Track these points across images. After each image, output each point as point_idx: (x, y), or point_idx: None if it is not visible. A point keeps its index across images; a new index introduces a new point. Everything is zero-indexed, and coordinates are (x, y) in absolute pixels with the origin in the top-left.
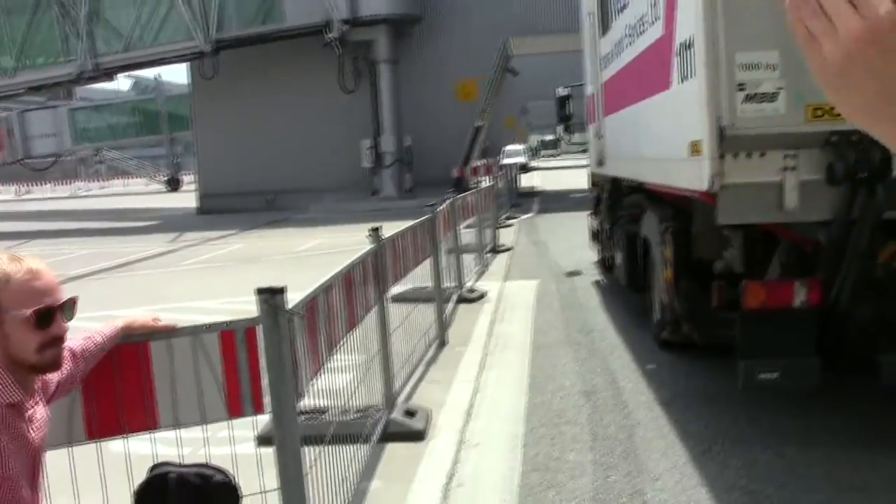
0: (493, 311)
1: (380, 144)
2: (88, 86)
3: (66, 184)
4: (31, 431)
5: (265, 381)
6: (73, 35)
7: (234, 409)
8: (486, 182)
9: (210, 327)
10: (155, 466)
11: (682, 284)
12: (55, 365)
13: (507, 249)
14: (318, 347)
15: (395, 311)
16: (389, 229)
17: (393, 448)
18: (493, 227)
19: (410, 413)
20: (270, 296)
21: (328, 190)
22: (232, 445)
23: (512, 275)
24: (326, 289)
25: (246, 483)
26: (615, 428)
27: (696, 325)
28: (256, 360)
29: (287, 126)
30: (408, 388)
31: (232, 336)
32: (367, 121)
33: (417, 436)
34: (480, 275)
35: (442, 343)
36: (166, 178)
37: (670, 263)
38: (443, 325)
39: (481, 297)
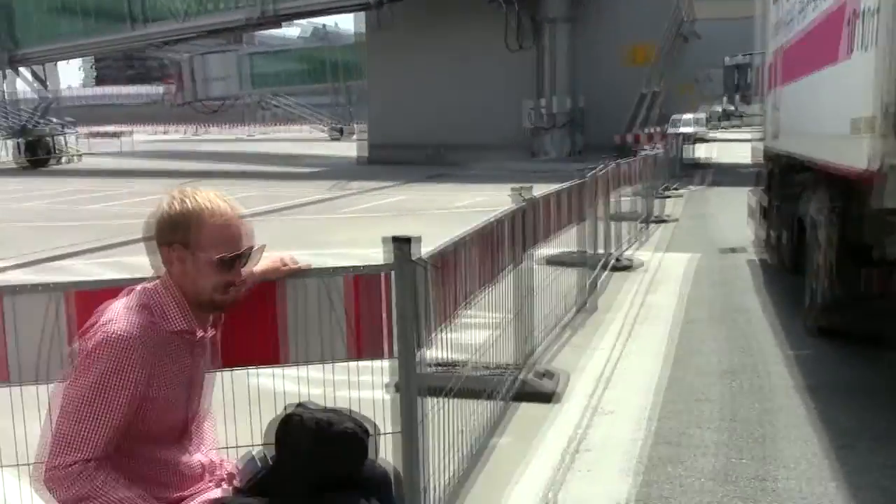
0: (644, 281)
1: (550, 105)
2: (264, 32)
3: (236, 127)
4: (195, 357)
5: (390, 328)
6: None
7: (358, 352)
8: (651, 150)
9: (340, 271)
10: (297, 405)
11: (840, 269)
12: (222, 308)
13: (669, 220)
14: (449, 300)
15: (540, 273)
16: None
17: (524, 408)
18: (654, 197)
19: (545, 375)
20: (401, 244)
21: (492, 147)
22: (358, 389)
23: (669, 246)
24: (462, 243)
25: None
26: (752, 411)
27: (851, 313)
28: (382, 305)
29: (454, 81)
30: (546, 350)
31: (361, 281)
32: (533, 81)
33: (549, 398)
34: (637, 244)
35: (587, 309)
36: (332, 127)
37: (830, 246)
38: (590, 290)
39: (634, 266)
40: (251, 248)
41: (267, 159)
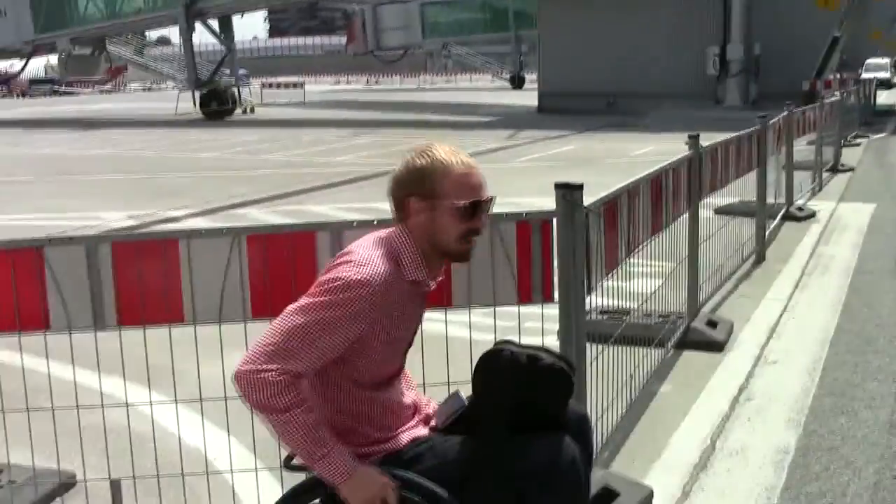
0: (820, 231)
1: (726, 52)
2: None
3: (414, 77)
4: (421, 306)
5: (557, 274)
6: None
7: (525, 296)
8: (832, 97)
9: (508, 217)
10: (499, 342)
11: None
12: (466, 255)
13: (850, 169)
14: (616, 247)
15: (712, 222)
16: None
17: (689, 356)
18: (836, 145)
19: (712, 324)
20: (568, 191)
21: (669, 96)
22: (521, 335)
23: (848, 196)
24: (630, 190)
25: None
26: None
27: None
28: (549, 251)
29: (631, 28)
30: (714, 300)
31: (528, 227)
32: (714, 27)
33: (716, 346)
34: (814, 193)
35: (760, 259)
36: (510, 76)
37: None
38: (762, 240)
39: (810, 216)
40: (490, 197)
41: (443, 109)
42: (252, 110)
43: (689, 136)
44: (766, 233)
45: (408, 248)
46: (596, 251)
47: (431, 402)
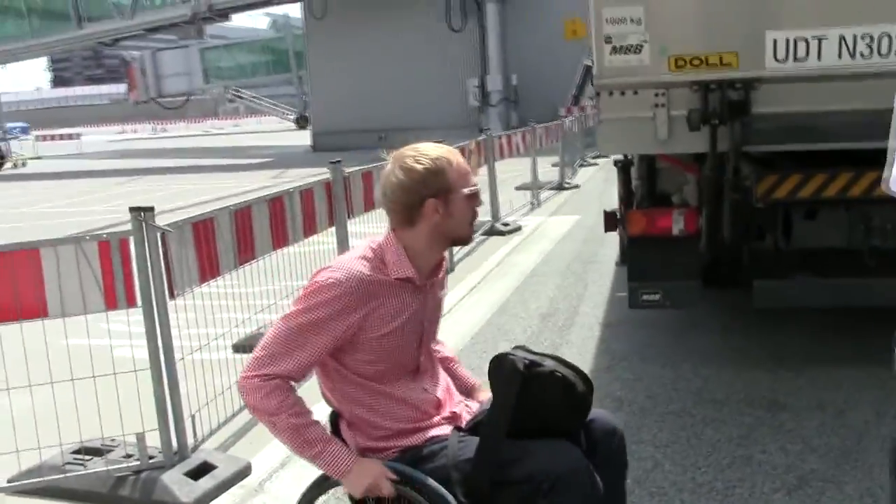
0: (518, 243)
1: (486, 83)
2: (225, 24)
3: (202, 121)
4: (421, 300)
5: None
6: None
7: (111, 304)
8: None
9: (91, 237)
10: (514, 347)
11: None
12: (471, 237)
13: (575, 187)
14: (215, 259)
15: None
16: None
17: None
18: (562, 165)
19: None
20: (140, 213)
21: (436, 128)
22: (110, 338)
23: (563, 211)
24: (221, 211)
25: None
26: (546, 345)
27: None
28: (130, 265)
29: (396, 64)
30: None
31: (108, 245)
32: (475, 59)
33: None
34: (532, 208)
35: (448, 270)
36: (295, 117)
37: (620, 197)
38: (449, 253)
39: (515, 230)
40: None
41: (219, 153)
42: (24, 164)
43: (330, 162)
44: (460, 247)
45: (392, 248)
46: (181, 264)
47: (465, 400)
